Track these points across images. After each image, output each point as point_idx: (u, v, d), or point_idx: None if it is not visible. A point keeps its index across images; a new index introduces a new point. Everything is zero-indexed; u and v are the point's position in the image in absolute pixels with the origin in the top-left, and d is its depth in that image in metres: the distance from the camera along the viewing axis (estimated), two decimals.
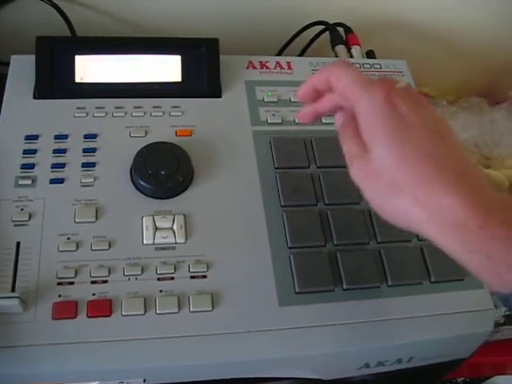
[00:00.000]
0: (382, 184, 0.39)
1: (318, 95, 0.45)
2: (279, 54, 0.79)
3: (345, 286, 0.52)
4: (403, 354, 0.53)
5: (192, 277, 0.50)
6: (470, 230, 0.36)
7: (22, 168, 0.54)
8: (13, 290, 0.47)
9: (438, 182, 0.37)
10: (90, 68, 0.59)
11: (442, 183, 0.37)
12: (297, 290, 0.51)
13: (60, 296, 0.47)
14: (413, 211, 0.38)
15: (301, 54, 0.80)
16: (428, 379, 0.66)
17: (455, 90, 0.95)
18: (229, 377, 0.52)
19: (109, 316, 0.47)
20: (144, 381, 0.50)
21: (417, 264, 0.54)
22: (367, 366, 0.54)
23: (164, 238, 0.51)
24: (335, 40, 0.75)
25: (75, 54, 0.59)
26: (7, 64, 0.61)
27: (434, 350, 0.54)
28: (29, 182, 0.53)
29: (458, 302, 0.53)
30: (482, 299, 0.54)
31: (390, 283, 0.53)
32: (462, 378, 1.00)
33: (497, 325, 0.77)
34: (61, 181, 0.53)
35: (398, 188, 0.38)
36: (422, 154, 0.38)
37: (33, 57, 0.59)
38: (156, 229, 0.51)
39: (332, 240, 0.54)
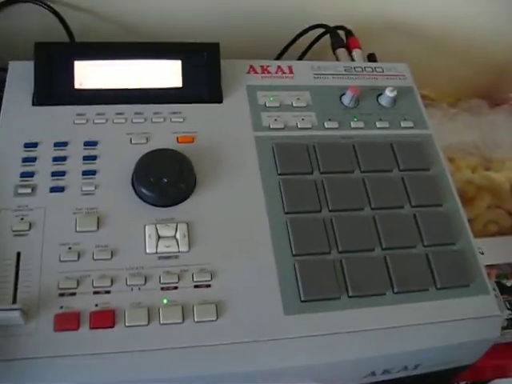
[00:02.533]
0: None
1: None
2: (279, 57, 0.78)
3: (350, 294, 0.51)
4: (409, 362, 0.53)
5: (196, 286, 0.49)
6: None
7: (21, 176, 0.53)
8: (14, 301, 0.46)
9: None
10: (89, 74, 0.58)
11: None
12: (302, 299, 0.50)
13: (62, 307, 0.46)
14: None
15: (301, 58, 0.79)
16: None
17: (455, 93, 0.95)
18: None
19: (112, 327, 0.46)
20: None
21: (422, 270, 0.54)
22: (373, 374, 0.53)
23: (167, 246, 0.50)
24: (336, 43, 0.74)
25: (74, 60, 0.58)
26: (5, 70, 0.61)
27: (441, 357, 0.54)
28: (29, 190, 0.52)
29: (464, 309, 0.53)
30: (488, 305, 0.54)
31: (395, 290, 0.52)
32: (463, 382, 0.99)
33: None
34: (61, 189, 0.52)
35: None
36: None
37: (31, 63, 0.58)
38: (159, 237, 0.51)
39: (337, 247, 0.53)
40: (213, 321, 0.48)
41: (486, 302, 0.54)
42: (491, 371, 0.87)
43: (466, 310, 0.53)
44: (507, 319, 0.76)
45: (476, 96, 0.94)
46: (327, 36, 0.77)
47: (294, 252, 0.52)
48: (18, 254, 0.48)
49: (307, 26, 0.77)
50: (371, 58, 0.74)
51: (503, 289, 0.79)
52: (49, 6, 0.72)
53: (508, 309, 0.77)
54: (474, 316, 0.53)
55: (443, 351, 0.53)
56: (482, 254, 0.77)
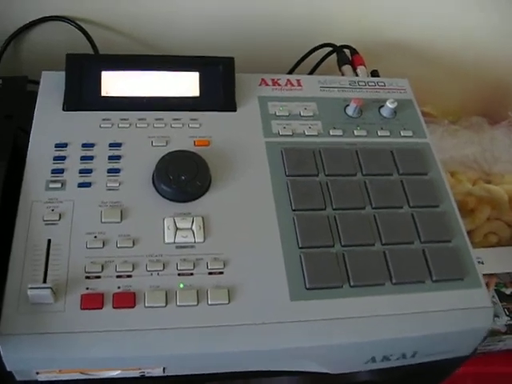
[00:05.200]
0: None
1: None
2: (290, 73, 0.84)
3: (352, 283, 0.55)
4: (407, 349, 0.57)
5: (210, 273, 0.53)
6: None
7: (52, 173, 0.57)
8: (44, 282, 0.51)
9: None
10: (115, 83, 0.64)
11: None
12: (307, 286, 0.54)
13: (88, 288, 0.51)
14: None
15: (310, 74, 0.85)
16: (432, 380, 0.69)
17: (456, 111, 1.00)
18: (242, 369, 0.56)
19: (133, 307, 0.51)
20: (164, 370, 0.54)
21: (419, 264, 0.58)
22: (373, 360, 0.57)
23: (184, 237, 0.55)
24: (342, 60, 0.80)
25: (101, 70, 0.64)
26: (35, 82, 0.66)
27: (436, 345, 0.58)
28: (58, 185, 0.57)
29: (457, 300, 0.56)
30: (481, 297, 0.57)
31: (394, 281, 0.56)
32: None
33: (499, 334, 0.80)
34: (88, 185, 0.57)
35: None
36: None
37: (61, 73, 0.64)
38: (176, 229, 0.55)
39: (340, 241, 0.58)
40: (225, 304, 0.52)
41: (478, 294, 0.57)
42: (494, 379, 0.89)
43: (460, 301, 0.56)
44: (506, 325, 0.80)
45: (476, 114, 0.98)
46: (334, 54, 0.82)
47: (300, 245, 0.57)
48: (49, 241, 0.53)
49: (316, 45, 0.83)
50: (374, 74, 0.79)
51: (502, 297, 0.82)
52: (75, 23, 0.79)
53: (507, 315, 0.80)
54: (466, 307, 0.56)
55: (438, 339, 0.56)
56: (482, 263, 0.80)
